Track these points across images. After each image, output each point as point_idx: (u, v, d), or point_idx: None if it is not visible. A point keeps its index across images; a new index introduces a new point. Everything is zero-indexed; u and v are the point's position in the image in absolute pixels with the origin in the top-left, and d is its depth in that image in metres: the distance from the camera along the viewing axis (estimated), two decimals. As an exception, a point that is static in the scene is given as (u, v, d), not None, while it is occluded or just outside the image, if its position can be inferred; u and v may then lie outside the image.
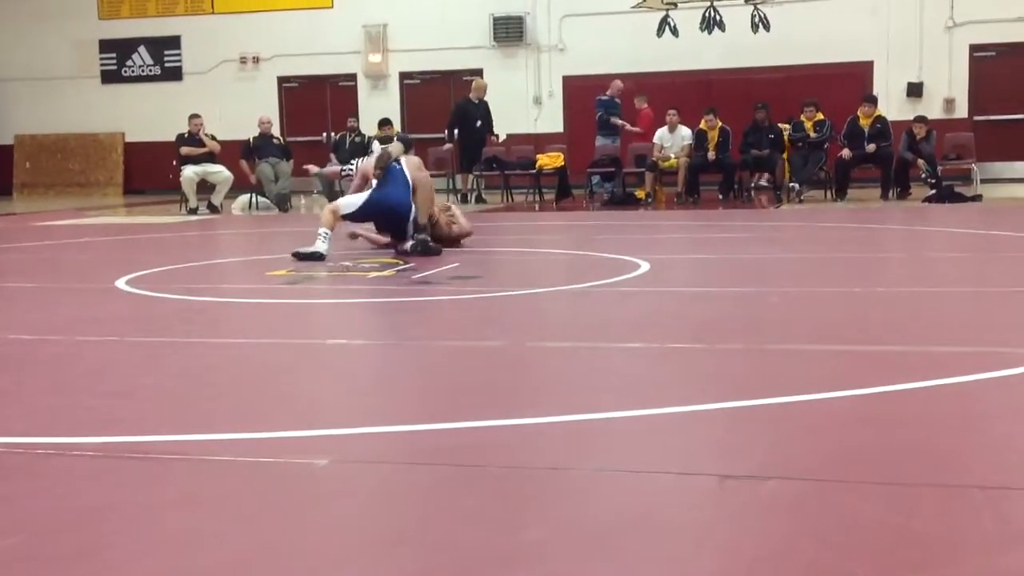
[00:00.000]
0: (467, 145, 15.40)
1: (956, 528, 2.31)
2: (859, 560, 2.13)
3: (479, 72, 18.32)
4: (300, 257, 7.92)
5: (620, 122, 15.23)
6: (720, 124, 14.26)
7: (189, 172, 14.70)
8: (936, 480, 2.64)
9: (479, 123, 15.00)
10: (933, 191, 13.19)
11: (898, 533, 2.28)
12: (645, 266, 7.10)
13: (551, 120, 18.02)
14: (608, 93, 15.45)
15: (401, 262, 7.78)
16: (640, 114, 15.49)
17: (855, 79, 16.48)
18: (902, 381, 3.64)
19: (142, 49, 19.90)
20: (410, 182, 8.38)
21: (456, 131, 15.52)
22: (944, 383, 3.63)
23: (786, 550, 2.22)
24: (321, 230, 8.13)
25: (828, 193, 14.15)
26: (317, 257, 7.91)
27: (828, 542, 2.24)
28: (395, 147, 9.08)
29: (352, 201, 8.53)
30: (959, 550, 2.19)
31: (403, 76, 18.93)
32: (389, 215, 8.41)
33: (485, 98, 15.49)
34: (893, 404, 3.41)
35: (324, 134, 18.63)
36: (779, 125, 14.30)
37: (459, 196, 15.42)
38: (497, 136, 15.74)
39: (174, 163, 15.22)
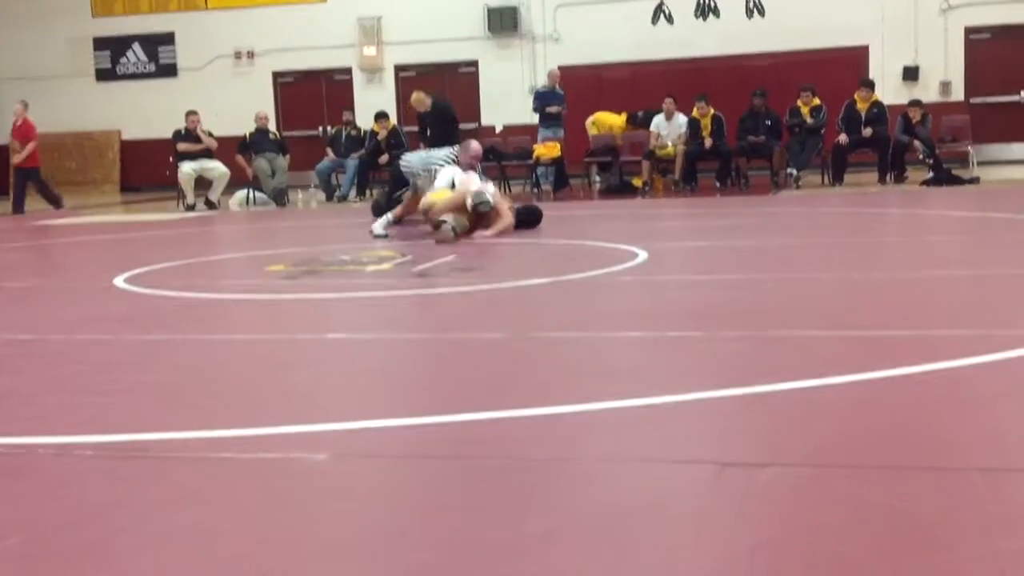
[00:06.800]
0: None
1: (956, 512, 2.32)
2: (859, 545, 2.14)
3: (474, 63, 18.32)
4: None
5: (555, 108, 15.30)
6: (712, 111, 14.23)
7: (186, 169, 14.70)
8: (936, 464, 2.65)
9: (428, 132, 12.64)
10: (931, 174, 13.18)
11: (898, 517, 2.28)
12: (643, 255, 7.10)
13: (547, 111, 17.96)
14: (546, 84, 15.65)
15: (399, 255, 7.78)
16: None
17: (850, 64, 16.45)
18: (901, 365, 3.64)
19: (136, 46, 19.88)
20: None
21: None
22: (943, 367, 3.63)
23: (786, 536, 2.23)
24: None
25: (825, 178, 14.13)
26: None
27: (828, 528, 2.25)
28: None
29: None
30: (960, 534, 2.19)
31: (398, 69, 18.91)
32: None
33: (427, 109, 12.86)
34: (892, 389, 3.42)
35: (320, 128, 18.62)
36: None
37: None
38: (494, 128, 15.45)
39: (171, 160, 15.22)
